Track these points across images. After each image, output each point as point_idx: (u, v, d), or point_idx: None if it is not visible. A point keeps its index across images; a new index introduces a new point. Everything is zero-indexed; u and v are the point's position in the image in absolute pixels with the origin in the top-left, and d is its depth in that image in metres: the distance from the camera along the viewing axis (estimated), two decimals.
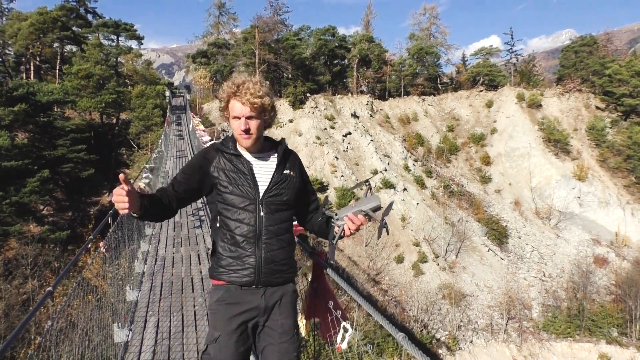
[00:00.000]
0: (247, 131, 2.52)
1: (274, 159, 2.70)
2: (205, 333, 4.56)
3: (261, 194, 2.58)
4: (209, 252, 2.69)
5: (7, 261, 21.77)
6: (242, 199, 2.55)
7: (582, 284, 33.50)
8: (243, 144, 2.60)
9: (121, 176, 2.10)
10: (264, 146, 2.72)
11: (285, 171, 2.68)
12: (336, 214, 2.60)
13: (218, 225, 2.65)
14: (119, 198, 2.12)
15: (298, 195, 2.74)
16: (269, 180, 2.62)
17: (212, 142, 2.76)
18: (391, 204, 2.63)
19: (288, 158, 2.75)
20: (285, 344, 2.64)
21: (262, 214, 2.56)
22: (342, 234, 2.58)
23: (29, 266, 20.24)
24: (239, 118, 2.51)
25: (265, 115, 2.60)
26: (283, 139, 2.81)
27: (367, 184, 2.65)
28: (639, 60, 53.72)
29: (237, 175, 2.58)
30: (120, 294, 6.92)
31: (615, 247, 40.90)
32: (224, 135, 38.09)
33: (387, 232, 2.57)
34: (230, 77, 2.62)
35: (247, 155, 2.65)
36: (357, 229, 2.54)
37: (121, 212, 2.17)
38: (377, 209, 2.45)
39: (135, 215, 2.28)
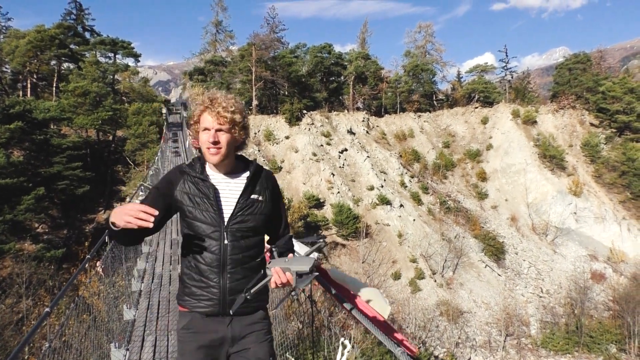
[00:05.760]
0: (215, 143, 2.41)
1: (242, 181, 2.55)
2: None
3: (226, 221, 2.45)
4: None
5: (1, 280, 21.58)
6: (206, 225, 2.43)
7: (580, 299, 33.39)
8: (211, 159, 2.46)
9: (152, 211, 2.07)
10: (236, 167, 2.59)
11: (252, 196, 2.52)
12: (269, 262, 2.37)
13: (185, 251, 2.53)
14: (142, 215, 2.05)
15: (267, 220, 2.58)
16: (234, 205, 2.49)
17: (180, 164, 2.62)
18: (314, 267, 2.43)
19: (258, 181, 2.58)
20: None
21: (226, 241, 2.44)
22: (266, 284, 2.33)
23: (24, 285, 20.04)
24: (209, 130, 2.42)
25: (235, 131, 2.47)
26: (254, 161, 2.70)
27: (320, 241, 2.50)
28: (631, 77, 54.40)
29: (202, 200, 2.44)
30: (116, 313, 6.85)
31: (612, 262, 40.90)
32: None
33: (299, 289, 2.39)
34: (205, 92, 2.60)
35: (214, 177, 2.52)
36: (283, 286, 2.29)
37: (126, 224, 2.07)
38: (303, 273, 2.23)
39: (118, 227, 2.17)
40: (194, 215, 2.44)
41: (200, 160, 2.56)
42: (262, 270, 2.37)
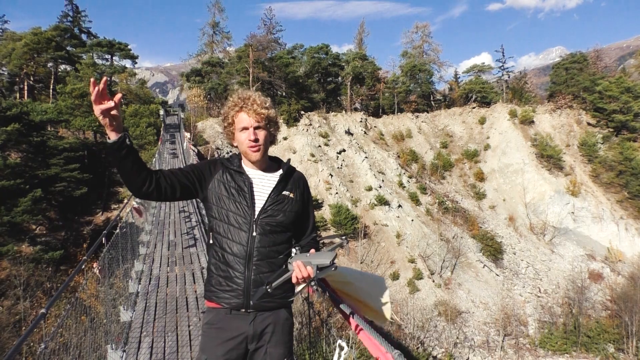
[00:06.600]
0: (256, 141, 2.52)
1: (275, 178, 2.63)
2: None
3: (256, 214, 2.51)
4: (204, 271, 2.63)
5: None
6: (236, 216, 2.51)
7: (578, 299, 33.43)
8: (252, 157, 2.57)
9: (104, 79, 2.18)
10: (270, 165, 2.68)
11: (284, 192, 2.61)
12: (291, 257, 2.37)
13: (211, 242, 2.61)
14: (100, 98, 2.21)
15: (296, 218, 2.64)
16: (266, 199, 2.56)
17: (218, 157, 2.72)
18: (334, 261, 2.42)
19: (290, 179, 2.68)
20: None
21: (254, 233, 2.50)
22: (289, 279, 2.31)
23: (21, 287, 20.01)
24: (248, 128, 2.52)
25: (271, 127, 2.61)
26: (289, 160, 2.77)
27: (342, 238, 2.51)
28: (628, 76, 54.53)
29: (237, 192, 2.54)
30: (113, 315, 6.84)
31: (610, 262, 40.95)
32: (217, 153, 38.05)
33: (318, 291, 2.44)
34: (235, 93, 2.63)
35: (250, 172, 2.62)
36: (304, 281, 2.26)
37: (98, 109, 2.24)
38: (323, 267, 2.27)
39: (115, 139, 2.30)
40: (227, 206, 2.54)
41: (239, 156, 2.69)
42: (285, 265, 2.47)
